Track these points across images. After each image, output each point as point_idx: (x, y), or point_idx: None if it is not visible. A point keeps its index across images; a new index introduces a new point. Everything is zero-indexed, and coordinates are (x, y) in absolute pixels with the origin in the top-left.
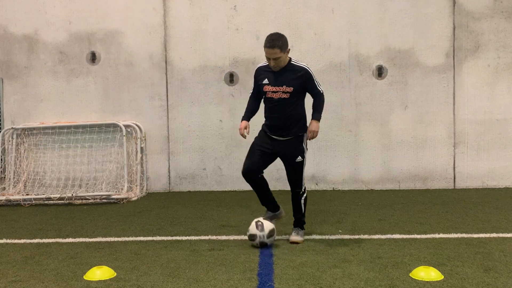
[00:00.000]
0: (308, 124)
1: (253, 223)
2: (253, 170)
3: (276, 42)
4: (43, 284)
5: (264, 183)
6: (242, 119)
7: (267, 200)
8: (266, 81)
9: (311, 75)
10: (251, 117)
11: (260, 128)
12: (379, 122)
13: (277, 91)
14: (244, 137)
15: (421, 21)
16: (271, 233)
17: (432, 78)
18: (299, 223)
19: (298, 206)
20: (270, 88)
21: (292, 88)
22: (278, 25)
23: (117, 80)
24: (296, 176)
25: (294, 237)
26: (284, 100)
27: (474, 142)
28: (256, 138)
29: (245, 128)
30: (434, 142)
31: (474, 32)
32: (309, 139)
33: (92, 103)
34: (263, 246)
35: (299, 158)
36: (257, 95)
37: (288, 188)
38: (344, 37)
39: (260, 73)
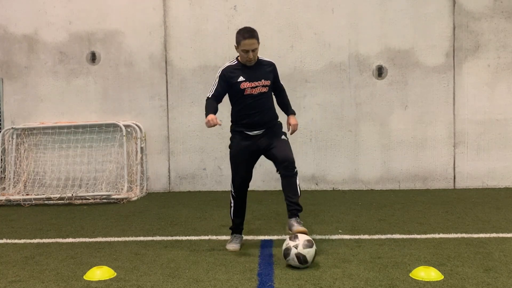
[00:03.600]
0: (287, 120)
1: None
2: (247, 182)
3: (254, 32)
4: (43, 284)
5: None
6: (207, 114)
7: (242, 219)
8: (241, 78)
9: (277, 69)
10: (215, 113)
11: (229, 136)
12: (379, 122)
13: (256, 86)
14: (218, 124)
15: (421, 21)
16: (307, 245)
17: (432, 78)
18: (297, 208)
19: (295, 188)
20: (248, 84)
21: (269, 81)
22: (278, 25)
23: (117, 80)
24: (288, 152)
25: (299, 227)
26: (264, 94)
27: (474, 142)
28: (232, 147)
29: (216, 118)
30: (434, 142)
31: (474, 32)
32: (291, 133)
33: (92, 103)
34: (303, 261)
35: (284, 137)
36: (219, 96)
37: None
38: (344, 37)
39: (230, 71)
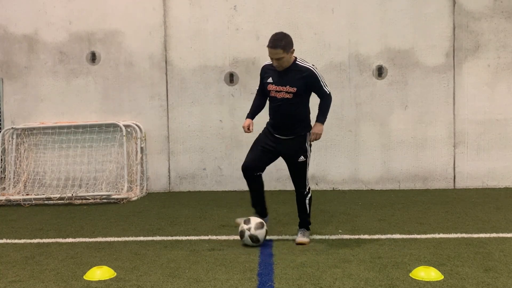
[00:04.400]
0: (312, 125)
1: (240, 220)
2: (252, 167)
3: (278, 42)
4: (43, 284)
5: (261, 184)
6: (247, 117)
7: (258, 203)
8: (270, 79)
9: (317, 75)
10: (256, 115)
11: (264, 126)
12: (379, 122)
13: (280, 91)
14: (249, 132)
15: (421, 21)
16: (258, 226)
17: (432, 78)
18: (304, 223)
19: (303, 207)
20: (273, 87)
21: (295, 89)
22: (278, 25)
23: (117, 80)
24: (300, 176)
25: (301, 238)
26: (287, 100)
27: (474, 142)
28: (259, 134)
29: (248, 126)
30: (434, 142)
31: (474, 32)
32: (312, 141)
33: (92, 103)
34: (255, 241)
35: (302, 158)
36: (262, 92)
37: (289, 188)
38: (344, 37)
39: (265, 71)
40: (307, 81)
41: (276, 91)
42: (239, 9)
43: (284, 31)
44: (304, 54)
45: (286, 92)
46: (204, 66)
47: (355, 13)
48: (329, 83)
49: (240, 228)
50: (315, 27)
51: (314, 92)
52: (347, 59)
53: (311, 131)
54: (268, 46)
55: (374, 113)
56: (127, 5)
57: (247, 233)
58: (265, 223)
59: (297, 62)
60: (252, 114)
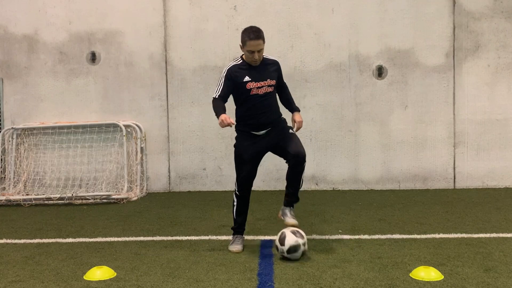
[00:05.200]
0: (292, 117)
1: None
2: (250, 183)
3: (260, 33)
4: (43, 284)
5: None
6: (219, 113)
7: (244, 221)
8: (247, 78)
9: (281, 67)
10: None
11: (234, 135)
12: (379, 122)
13: (262, 86)
14: (231, 125)
15: (421, 21)
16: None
17: (432, 78)
18: (294, 200)
19: (299, 180)
20: (254, 84)
21: (274, 81)
22: (278, 25)
23: (117, 80)
24: (299, 146)
25: (291, 219)
26: (270, 93)
27: (474, 142)
28: (237, 146)
29: (229, 117)
30: (434, 142)
31: (474, 32)
32: (296, 130)
33: (92, 103)
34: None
35: (291, 131)
36: (225, 96)
37: None
38: (344, 37)
39: (235, 71)
40: (278, 73)
41: (258, 87)
42: (239, 9)
43: (284, 31)
44: (304, 54)
45: (268, 85)
46: (204, 66)
47: (355, 13)
48: (329, 83)
49: (294, 242)
50: (315, 27)
51: (279, 83)
52: (347, 59)
53: (295, 120)
54: (251, 38)
55: (374, 113)
56: (127, 5)
57: (301, 248)
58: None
59: (264, 56)
60: (224, 111)
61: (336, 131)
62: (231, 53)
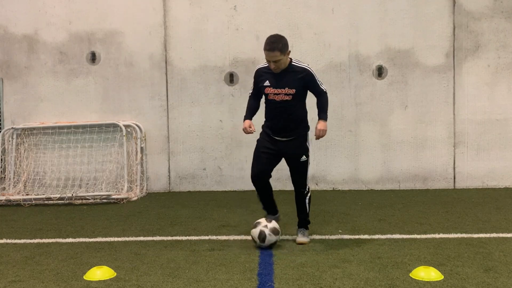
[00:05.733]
0: (316, 124)
1: (257, 232)
2: (263, 175)
3: (275, 44)
4: (43, 284)
5: (270, 187)
6: (245, 118)
7: (269, 205)
8: (267, 83)
9: (313, 75)
10: (253, 116)
11: (260, 129)
12: (379, 122)
13: (279, 93)
14: (252, 133)
15: (421, 21)
16: (261, 238)
17: (432, 78)
18: (304, 223)
19: (303, 206)
20: (272, 90)
21: (294, 90)
22: (278, 25)
23: (117, 80)
24: (301, 176)
25: (301, 238)
26: (287, 102)
27: (474, 142)
28: (258, 141)
29: (250, 125)
30: (434, 142)
31: (474, 32)
32: (317, 139)
33: (92, 103)
34: (262, 239)
35: (304, 158)
36: (257, 95)
37: (289, 188)
38: (344, 37)
39: (260, 74)
40: (304, 81)
41: (275, 93)
42: (239, 9)
43: (284, 31)
44: (304, 54)
45: (285, 94)
46: (204, 66)
47: (355, 13)
48: (329, 83)
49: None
50: (315, 27)
51: (311, 91)
52: (347, 59)
53: (316, 128)
54: (265, 49)
55: (374, 113)
56: (127, 5)
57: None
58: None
59: (293, 63)
60: (250, 116)
61: (336, 131)
62: (231, 53)
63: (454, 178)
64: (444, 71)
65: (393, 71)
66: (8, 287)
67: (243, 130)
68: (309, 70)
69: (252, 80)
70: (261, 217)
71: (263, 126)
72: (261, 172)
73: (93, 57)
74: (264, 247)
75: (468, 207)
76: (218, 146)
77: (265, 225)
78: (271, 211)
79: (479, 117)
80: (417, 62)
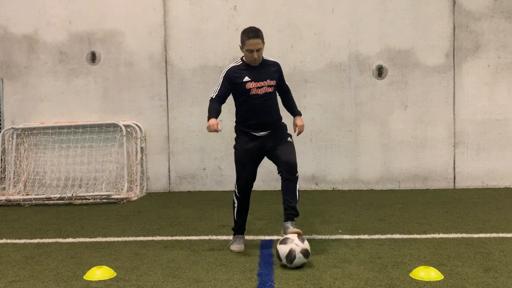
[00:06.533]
0: (293, 121)
1: (286, 250)
2: (251, 182)
3: (259, 32)
4: (43, 284)
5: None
6: (210, 118)
7: (244, 221)
8: (247, 78)
9: (281, 69)
10: (218, 116)
11: (232, 134)
12: (379, 122)
13: (262, 86)
14: (219, 131)
15: (421, 21)
16: (289, 258)
17: (432, 78)
18: (293, 213)
19: (294, 193)
20: (253, 84)
21: (274, 81)
22: (278, 25)
23: (117, 80)
24: (291, 156)
25: (294, 228)
26: (270, 94)
27: (474, 142)
28: (236, 147)
29: (217, 124)
30: (434, 142)
31: (474, 32)
32: (297, 135)
33: (92, 103)
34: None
35: (289, 139)
36: (223, 97)
37: None
38: (344, 37)
39: (235, 71)
40: (278, 74)
41: (258, 87)
42: (239, 9)
43: (284, 31)
44: (304, 54)
45: (268, 86)
46: (204, 66)
47: (355, 13)
48: (329, 83)
49: (288, 248)
50: (315, 27)
51: (280, 85)
52: (347, 59)
53: (297, 124)
54: (250, 37)
55: (374, 113)
56: (127, 5)
57: (297, 251)
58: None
59: (264, 57)
60: (215, 115)
61: (336, 131)
62: (231, 53)
63: (454, 178)
64: (444, 71)
65: (393, 71)
66: (8, 287)
67: (209, 127)
68: (279, 64)
69: (219, 82)
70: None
71: (237, 129)
72: (249, 180)
73: (93, 57)
74: (288, 267)
75: (468, 207)
76: (218, 146)
77: (297, 244)
78: (242, 230)
79: (479, 117)
80: (417, 62)
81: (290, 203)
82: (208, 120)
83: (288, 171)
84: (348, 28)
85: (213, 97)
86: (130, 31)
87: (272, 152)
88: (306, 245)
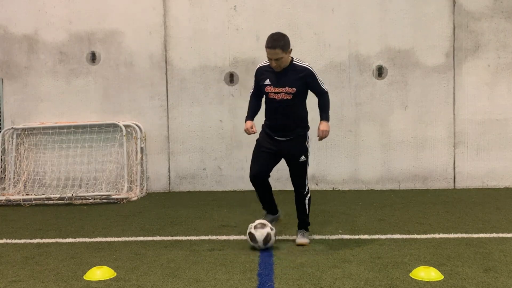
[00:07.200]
0: (318, 125)
1: (248, 236)
2: (261, 175)
3: (277, 42)
4: (43, 284)
5: (269, 187)
6: (246, 119)
7: (269, 204)
8: (267, 81)
9: (314, 74)
10: (255, 116)
11: (260, 128)
12: (379, 122)
13: (279, 92)
14: (253, 133)
15: (421, 21)
16: (266, 240)
17: (432, 78)
18: (304, 224)
19: (303, 207)
20: (272, 89)
21: (295, 89)
22: (278, 25)
23: (117, 80)
24: (301, 176)
25: (301, 239)
26: (287, 101)
27: (474, 142)
28: (258, 140)
29: (252, 126)
30: (434, 142)
31: (474, 32)
32: (320, 140)
33: (92, 103)
34: (253, 239)
35: (303, 158)
36: (258, 94)
37: (289, 188)
38: (344, 37)
39: (261, 73)
40: (305, 80)
41: (275, 92)
42: (239, 9)
43: (284, 31)
44: (304, 54)
45: (286, 93)
46: (204, 66)
47: (355, 13)
48: (329, 83)
49: (250, 243)
50: (315, 27)
51: (312, 91)
52: (347, 59)
53: (319, 129)
54: (267, 46)
55: (374, 113)
56: (127, 5)
57: (258, 248)
58: (269, 234)
59: (294, 62)
60: (251, 116)
61: (336, 131)
62: (231, 53)
63: (454, 178)
64: (444, 71)
65: (393, 71)
66: (8, 287)
67: (245, 131)
68: (310, 69)
69: (253, 79)
70: (260, 217)
71: (263, 126)
72: (260, 172)
73: (93, 57)
74: (262, 248)
75: (468, 207)
76: (218, 146)
77: (271, 228)
78: (270, 210)
79: (479, 117)
80: (417, 62)
81: (301, 216)
82: (245, 121)
83: (297, 190)
84: (348, 28)
85: (251, 92)
86: (130, 31)
87: (287, 164)
88: (275, 229)
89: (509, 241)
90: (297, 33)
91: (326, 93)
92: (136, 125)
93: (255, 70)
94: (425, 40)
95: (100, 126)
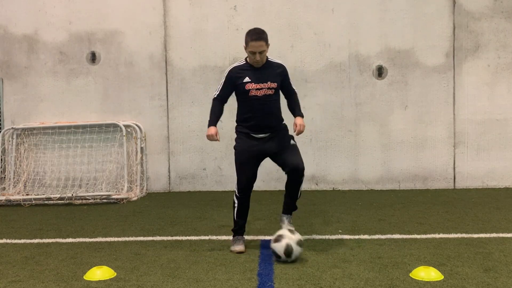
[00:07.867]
0: (294, 121)
1: (282, 246)
2: (251, 184)
3: (261, 35)
4: (43, 284)
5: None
6: (210, 124)
7: (245, 219)
8: (247, 79)
9: (287, 72)
10: (217, 122)
11: (233, 135)
12: (379, 122)
13: (261, 88)
14: (217, 140)
15: (421, 21)
16: (287, 252)
17: (432, 78)
18: (292, 208)
19: (297, 191)
20: (253, 85)
21: (276, 84)
22: (278, 25)
23: (117, 80)
24: (298, 155)
25: (289, 225)
26: (269, 96)
27: (474, 142)
28: (237, 147)
29: (216, 133)
30: (434, 142)
31: (474, 32)
32: (297, 134)
33: (92, 103)
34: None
35: (292, 141)
36: (225, 97)
37: None
38: (344, 37)
39: (237, 72)
40: (282, 77)
41: (257, 89)
42: (239, 9)
43: (284, 31)
44: (304, 54)
45: (268, 88)
46: (204, 66)
47: (355, 13)
48: (329, 83)
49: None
50: (315, 27)
51: (285, 88)
52: (347, 59)
53: (296, 123)
54: (253, 39)
55: (374, 113)
56: (127, 5)
57: (293, 246)
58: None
59: (269, 59)
60: (214, 121)
61: (336, 131)
62: (231, 53)
63: (454, 178)
64: (444, 71)
65: (393, 71)
66: (8, 287)
67: (208, 137)
68: (285, 66)
69: (221, 81)
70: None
71: (237, 129)
72: (249, 180)
73: (93, 57)
74: (288, 262)
75: (468, 207)
76: (218, 146)
77: (290, 238)
78: (242, 230)
79: (479, 117)
80: (417, 62)
81: (292, 199)
82: (208, 126)
83: (296, 174)
84: (348, 28)
85: (215, 96)
86: (130, 31)
87: (278, 156)
88: (297, 235)
89: (509, 241)
90: (297, 33)
91: (296, 92)
92: (136, 125)
93: (226, 73)
94: (425, 40)
95: (100, 126)
